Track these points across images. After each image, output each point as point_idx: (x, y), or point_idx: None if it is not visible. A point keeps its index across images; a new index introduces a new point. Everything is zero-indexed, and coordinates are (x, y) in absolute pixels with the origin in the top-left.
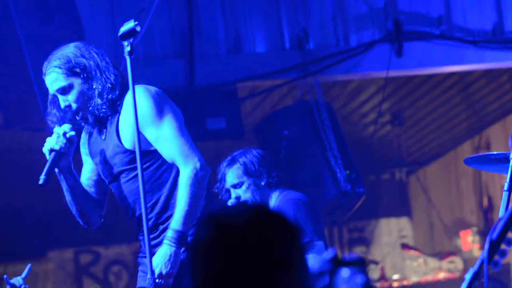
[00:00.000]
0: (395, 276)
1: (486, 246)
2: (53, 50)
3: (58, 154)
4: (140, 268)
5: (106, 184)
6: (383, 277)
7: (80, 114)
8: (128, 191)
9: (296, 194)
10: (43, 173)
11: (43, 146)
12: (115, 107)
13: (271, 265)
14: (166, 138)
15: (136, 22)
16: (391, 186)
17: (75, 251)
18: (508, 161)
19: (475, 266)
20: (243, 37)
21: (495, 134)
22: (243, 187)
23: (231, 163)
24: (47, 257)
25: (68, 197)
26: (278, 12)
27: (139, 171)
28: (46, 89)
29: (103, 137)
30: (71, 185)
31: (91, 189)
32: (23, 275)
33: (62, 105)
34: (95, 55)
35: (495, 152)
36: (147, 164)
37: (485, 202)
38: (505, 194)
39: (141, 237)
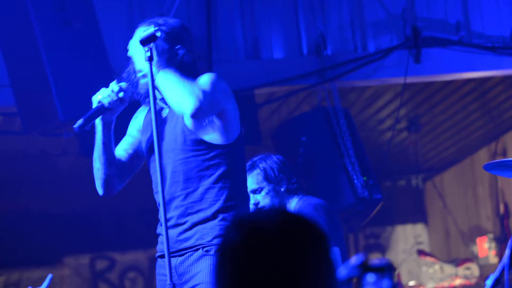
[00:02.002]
0: (411, 283)
1: (507, 252)
2: (71, 54)
3: (103, 108)
4: (158, 271)
5: (137, 163)
6: (399, 284)
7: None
8: (171, 171)
9: (316, 199)
10: (82, 118)
11: (59, 151)
12: None
13: (300, 271)
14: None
15: (157, 28)
16: (407, 192)
17: (91, 257)
18: None
19: (496, 272)
20: (261, 43)
21: (511, 141)
22: (262, 193)
23: (251, 169)
24: (63, 262)
25: (97, 152)
26: (296, 18)
27: (157, 166)
28: (64, 94)
29: (164, 114)
30: (104, 142)
31: (122, 160)
32: (44, 285)
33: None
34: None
35: None
36: (198, 153)
37: (502, 209)
38: None
39: (160, 232)
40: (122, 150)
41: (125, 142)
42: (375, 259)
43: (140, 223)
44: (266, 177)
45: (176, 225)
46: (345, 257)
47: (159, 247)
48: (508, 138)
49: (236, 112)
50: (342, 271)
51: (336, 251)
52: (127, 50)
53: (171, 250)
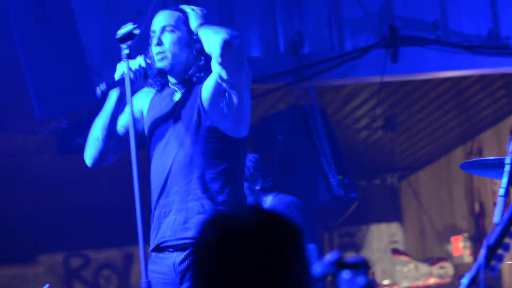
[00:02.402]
0: (386, 282)
1: (483, 251)
2: (48, 52)
3: (127, 78)
4: (151, 267)
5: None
6: (375, 283)
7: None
8: (177, 154)
9: (289, 197)
10: (106, 84)
11: (36, 148)
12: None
13: (275, 268)
14: None
15: (136, 25)
16: (382, 191)
17: (65, 254)
18: (504, 167)
19: (472, 271)
20: None
21: (487, 140)
22: None
23: None
24: (37, 260)
25: (101, 121)
26: (273, 16)
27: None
28: (41, 92)
29: (175, 98)
30: (113, 113)
31: (120, 136)
32: None
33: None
34: None
35: (491, 158)
36: (209, 140)
37: (477, 208)
38: (500, 200)
39: (153, 220)
40: (120, 126)
41: (124, 119)
42: (350, 256)
43: (114, 220)
44: None
45: (177, 211)
46: (320, 255)
47: (152, 237)
48: (484, 137)
49: (249, 110)
50: (317, 268)
51: (311, 248)
52: (104, 48)
53: (169, 239)
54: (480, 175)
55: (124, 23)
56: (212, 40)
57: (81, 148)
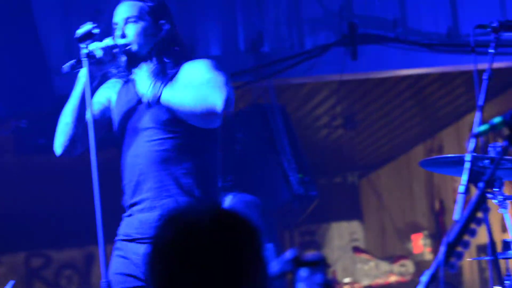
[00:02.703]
0: (347, 280)
1: (443, 248)
2: (7, 50)
3: (95, 58)
4: (117, 253)
5: (99, 132)
6: (334, 280)
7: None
8: (148, 151)
9: (248, 196)
10: (74, 60)
11: None
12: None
13: (232, 267)
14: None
15: (95, 25)
16: (343, 189)
17: (26, 254)
18: (464, 164)
19: (432, 269)
20: (198, 39)
21: (447, 138)
22: None
23: None
24: None
25: (71, 106)
26: (233, 14)
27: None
28: (0, 91)
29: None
30: (82, 96)
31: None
32: None
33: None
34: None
35: (451, 155)
36: (177, 135)
37: (437, 206)
38: (461, 197)
39: (126, 216)
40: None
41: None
42: (308, 254)
43: (75, 220)
44: None
45: (151, 208)
46: (279, 254)
47: (123, 230)
48: (444, 135)
49: None
50: (275, 267)
51: (269, 247)
52: (63, 47)
53: (144, 236)
54: (440, 172)
55: (83, 22)
56: (203, 103)
57: (42, 149)
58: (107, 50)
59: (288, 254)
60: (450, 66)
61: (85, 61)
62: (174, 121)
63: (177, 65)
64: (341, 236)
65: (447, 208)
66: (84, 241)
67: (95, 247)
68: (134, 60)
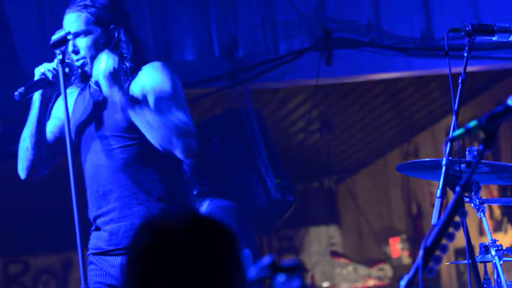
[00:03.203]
0: (325, 284)
1: (421, 252)
2: None
3: (47, 80)
4: (93, 266)
5: (63, 148)
6: (313, 285)
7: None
8: (110, 159)
9: (225, 202)
10: (24, 87)
11: None
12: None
13: (209, 273)
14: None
15: (68, 31)
16: (320, 194)
17: (4, 260)
18: (441, 168)
19: (410, 273)
20: (172, 44)
21: (423, 141)
22: None
23: None
24: None
25: (28, 131)
26: (207, 19)
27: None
28: None
29: (97, 98)
30: (39, 119)
31: (49, 143)
32: None
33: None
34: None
35: (427, 159)
36: (140, 141)
37: (414, 209)
38: (437, 201)
39: (94, 229)
40: (49, 132)
41: (51, 125)
42: (285, 259)
43: (53, 226)
44: None
45: (121, 218)
46: (257, 259)
47: (93, 243)
48: (420, 139)
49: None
50: (252, 272)
51: (247, 253)
52: (37, 50)
53: (117, 247)
54: (417, 176)
55: (58, 25)
56: (166, 145)
57: (16, 154)
58: (58, 71)
59: (266, 259)
60: (424, 70)
61: (59, 67)
62: (134, 128)
63: (135, 61)
64: (319, 240)
65: (424, 212)
66: (62, 247)
67: (74, 253)
68: (89, 74)
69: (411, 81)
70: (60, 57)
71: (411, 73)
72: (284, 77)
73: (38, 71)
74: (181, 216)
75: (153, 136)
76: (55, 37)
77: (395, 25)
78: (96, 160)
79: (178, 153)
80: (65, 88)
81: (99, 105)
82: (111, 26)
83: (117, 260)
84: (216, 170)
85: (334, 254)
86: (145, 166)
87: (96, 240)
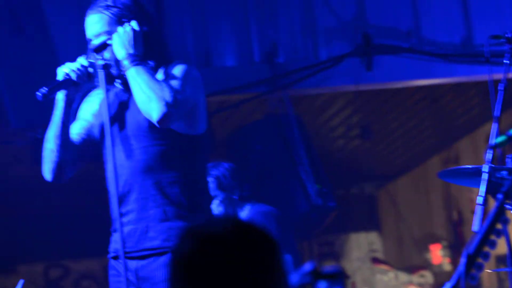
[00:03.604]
0: None
1: (463, 260)
2: (23, 60)
3: (70, 81)
4: (112, 272)
5: (91, 150)
6: None
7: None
8: (131, 159)
9: (266, 207)
10: (46, 87)
11: (11, 159)
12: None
13: (252, 279)
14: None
15: (109, 36)
16: (360, 200)
17: (45, 265)
18: (481, 175)
19: (453, 280)
20: (213, 51)
21: (464, 148)
22: (216, 201)
23: None
24: (16, 271)
25: (52, 131)
26: (247, 26)
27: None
28: (16, 101)
29: (122, 98)
30: (63, 121)
31: (75, 144)
32: None
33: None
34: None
35: (468, 166)
36: (162, 142)
37: (455, 216)
38: (479, 208)
39: (113, 230)
40: (75, 134)
41: (78, 126)
42: (327, 266)
43: (94, 230)
44: (220, 186)
45: (138, 220)
46: (298, 265)
47: (113, 246)
48: (460, 145)
49: (205, 103)
50: (294, 279)
51: (288, 259)
52: (78, 57)
53: (132, 250)
54: (457, 183)
55: None
56: (145, 105)
57: None
58: (82, 71)
59: (307, 266)
60: (465, 76)
61: (100, 73)
62: (157, 128)
63: (158, 60)
64: (360, 246)
65: (465, 218)
66: (103, 251)
67: None
68: (113, 75)
69: (451, 87)
70: (101, 62)
71: (451, 80)
72: (324, 83)
73: (61, 72)
74: (224, 223)
75: (136, 95)
76: (95, 42)
77: (435, 31)
78: (118, 160)
79: (154, 116)
80: (91, 89)
81: (123, 105)
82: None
83: (133, 263)
84: (257, 176)
85: (375, 260)
86: (166, 169)
87: (115, 242)
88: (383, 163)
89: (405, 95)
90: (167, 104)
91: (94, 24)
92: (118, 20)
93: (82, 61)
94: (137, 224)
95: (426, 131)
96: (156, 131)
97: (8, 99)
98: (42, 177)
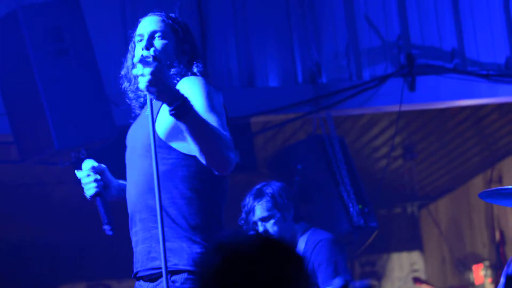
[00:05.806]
0: None
1: (502, 280)
2: (67, 82)
3: (99, 194)
4: None
5: None
6: None
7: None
8: (139, 179)
9: (327, 233)
10: (104, 223)
11: (55, 180)
12: None
13: None
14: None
15: (152, 55)
16: (402, 220)
17: (88, 285)
18: None
19: None
20: (256, 71)
21: (507, 168)
22: (272, 221)
23: (260, 196)
24: None
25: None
26: (291, 46)
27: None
28: (60, 123)
29: (146, 113)
30: (113, 195)
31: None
32: None
33: (145, 52)
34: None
35: (509, 187)
36: (172, 160)
37: (497, 236)
38: None
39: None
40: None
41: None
42: (356, 282)
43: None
44: (276, 204)
45: (144, 240)
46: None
47: (134, 267)
48: (503, 165)
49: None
50: None
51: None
52: (122, 78)
53: (139, 269)
54: (500, 204)
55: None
56: (209, 156)
57: None
58: (99, 186)
59: (336, 282)
60: (508, 97)
61: (148, 98)
62: (161, 148)
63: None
64: (402, 266)
65: (507, 238)
66: None
67: None
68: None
69: (495, 107)
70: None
71: (494, 100)
72: (367, 103)
73: (90, 190)
74: (251, 238)
75: (197, 148)
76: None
77: (478, 51)
78: (130, 180)
79: (224, 169)
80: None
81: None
82: (185, 45)
83: (144, 285)
84: (299, 196)
85: (417, 280)
86: (172, 188)
87: (134, 263)
88: (426, 183)
89: (448, 116)
90: (232, 156)
91: (152, 23)
92: (175, 30)
93: (82, 178)
94: (143, 244)
95: (469, 152)
96: (160, 151)
97: (51, 120)
98: (84, 197)
